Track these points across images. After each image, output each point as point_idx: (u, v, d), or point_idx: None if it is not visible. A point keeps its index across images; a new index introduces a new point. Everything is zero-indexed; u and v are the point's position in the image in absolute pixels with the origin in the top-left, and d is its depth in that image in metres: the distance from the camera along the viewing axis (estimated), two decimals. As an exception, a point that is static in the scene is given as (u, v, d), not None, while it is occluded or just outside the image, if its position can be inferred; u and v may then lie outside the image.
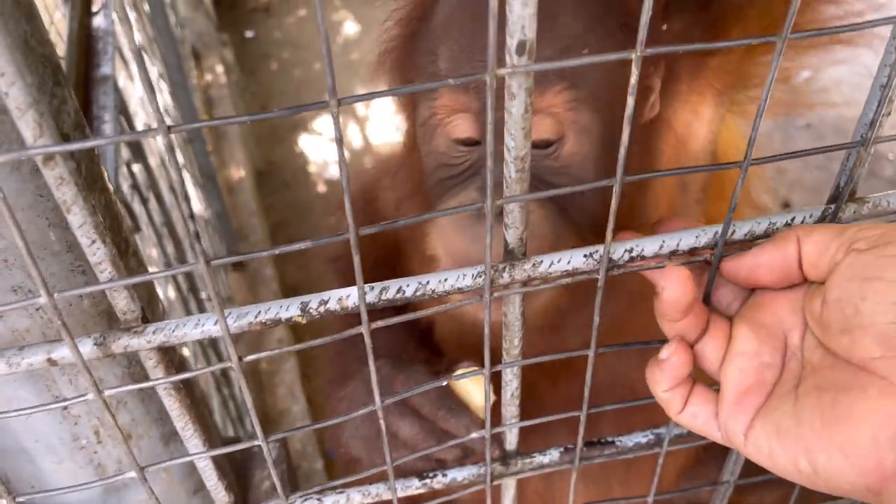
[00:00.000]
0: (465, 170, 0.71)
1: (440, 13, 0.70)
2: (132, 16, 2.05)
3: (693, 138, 0.80)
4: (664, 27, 0.71)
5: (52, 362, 0.45)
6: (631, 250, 0.50)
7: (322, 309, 0.47)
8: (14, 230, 0.36)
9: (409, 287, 0.48)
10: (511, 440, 0.63)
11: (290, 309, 0.47)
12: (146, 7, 2.43)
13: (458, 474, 0.64)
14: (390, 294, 0.48)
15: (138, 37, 2.06)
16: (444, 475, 0.64)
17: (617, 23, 0.68)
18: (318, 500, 0.61)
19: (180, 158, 2.27)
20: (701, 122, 0.81)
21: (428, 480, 0.63)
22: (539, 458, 0.64)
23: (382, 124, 4.46)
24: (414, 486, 0.63)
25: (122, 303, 0.45)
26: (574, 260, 0.49)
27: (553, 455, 0.64)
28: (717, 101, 0.80)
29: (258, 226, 3.42)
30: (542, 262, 0.49)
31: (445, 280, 0.48)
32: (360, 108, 4.44)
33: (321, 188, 4.14)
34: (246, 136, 4.08)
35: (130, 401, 0.59)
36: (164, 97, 2.38)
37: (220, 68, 4.16)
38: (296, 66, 4.73)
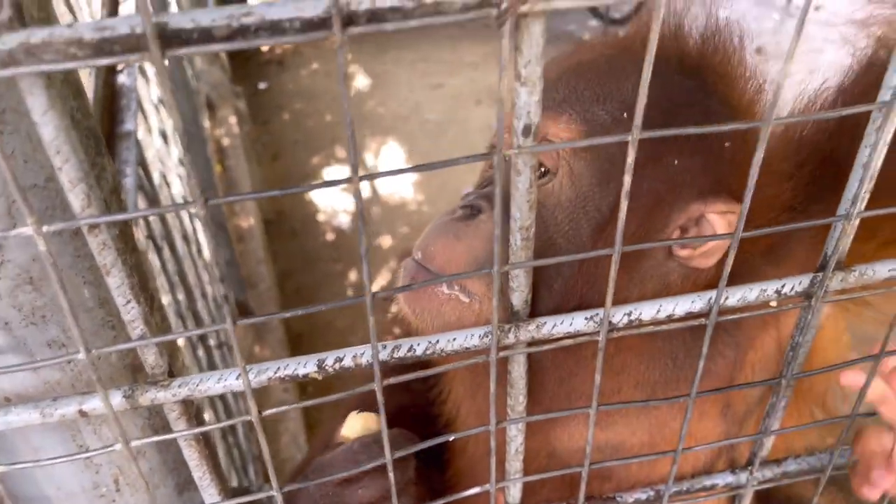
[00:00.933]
0: None
1: None
2: (152, 70, 2.13)
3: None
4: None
5: (83, 414, 0.47)
6: (630, 314, 0.52)
7: (337, 366, 0.50)
8: (59, 292, 0.39)
9: (419, 346, 0.51)
10: (514, 494, 0.65)
11: (307, 366, 0.49)
12: (165, 61, 2.52)
13: None
14: (402, 353, 0.51)
15: (157, 92, 2.14)
16: (449, 528, 0.65)
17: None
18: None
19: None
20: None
21: None
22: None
23: (392, 179, 4.51)
24: None
25: (151, 358, 0.48)
26: (576, 322, 0.52)
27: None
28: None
29: (266, 273, 3.46)
30: (545, 323, 0.52)
31: (454, 340, 0.51)
32: (369, 158, 4.52)
33: (329, 236, 4.19)
34: (256, 186, 4.15)
35: (149, 451, 0.61)
36: (179, 148, 2.44)
37: (233, 119, 4.26)
38: (308, 116, 4.84)
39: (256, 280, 3.39)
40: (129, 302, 0.45)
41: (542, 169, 0.68)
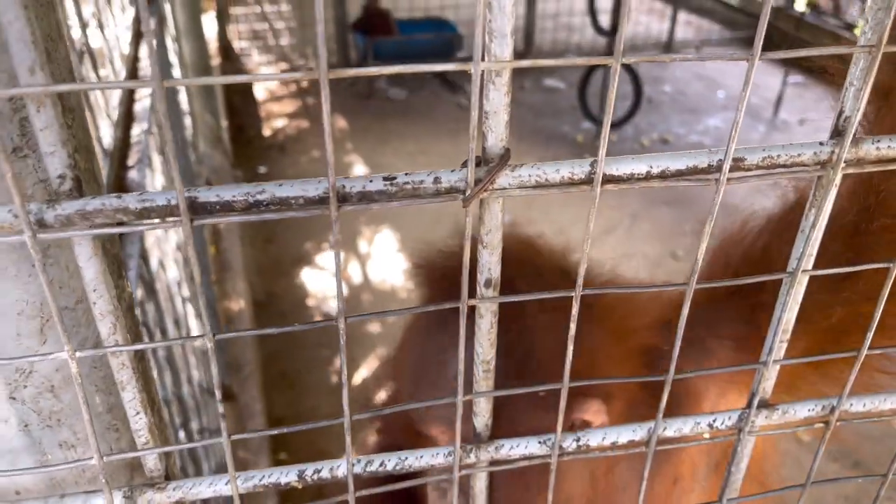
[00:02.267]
0: None
1: None
2: (157, 159, 2.24)
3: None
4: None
5: (86, 511, 0.53)
6: (578, 439, 0.59)
7: (316, 476, 0.56)
8: (83, 406, 0.46)
9: (389, 462, 0.57)
10: None
11: (289, 475, 0.56)
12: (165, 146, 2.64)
13: None
14: (374, 467, 0.57)
15: (161, 179, 2.24)
16: None
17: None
18: None
19: (186, 292, 2.39)
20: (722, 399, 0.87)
21: None
22: None
23: (383, 262, 4.60)
24: None
25: (151, 463, 0.54)
26: (530, 446, 0.59)
27: None
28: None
29: (251, 357, 3.48)
30: (503, 445, 0.58)
31: (421, 457, 0.58)
32: (363, 245, 4.62)
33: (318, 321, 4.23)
34: (249, 269, 4.22)
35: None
36: (179, 232, 2.53)
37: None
38: (303, 202, 4.95)
39: (241, 363, 3.42)
40: (138, 413, 0.51)
41: None
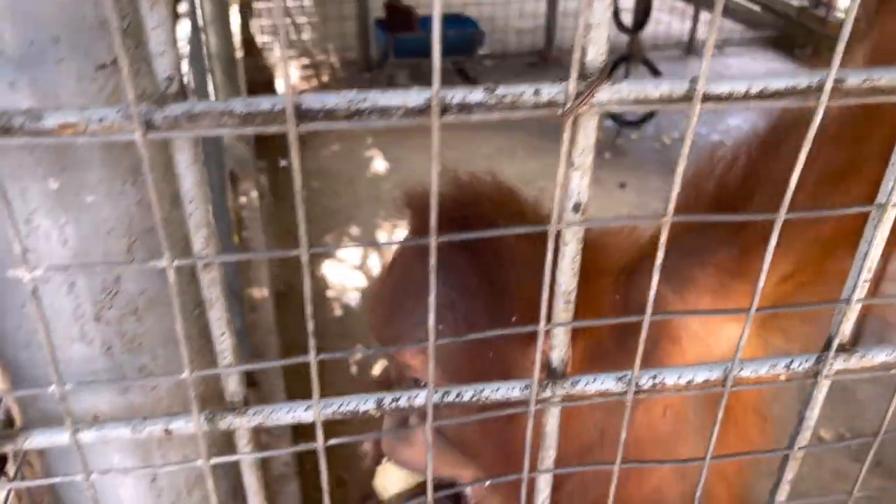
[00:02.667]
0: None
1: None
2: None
3: (705, 354, 0.87)
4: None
5: (167, 433, 0.53)
6: (654, 377, 0.59)
7: (394, 405, 0.56)
8: (178, 317, 0.46)
9: (466, 393, 0.57)
10: (537, 548, 0.70)
11: (367, 403, 0.56)
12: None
13: (486, 577, 0.70)
14: (451, 397, 0.57)
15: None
16: (474, 577, 0.70)
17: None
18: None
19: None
20: (718, 340, 0.87)
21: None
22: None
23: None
24: None
25: (232, 387, 0.54)
26: (607, 381, 0.58)
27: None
28: (739, 325, 0.86)
29: (273, 344, 3.50)
30: (579, 381, 0.58)
31: (497, 390, 0.58)
32: (382, 237, 4.63)
33: (337, 312, 4.25)
34: (272, 259, 4.24)
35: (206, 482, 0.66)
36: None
37: (254, 193, 4.39)
38: (324, 195, 4.98)
39: (264, 350, 3.43)
40: (223, 333, 0.52)
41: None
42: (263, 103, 0.42)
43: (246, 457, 0.57)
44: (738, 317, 0.83)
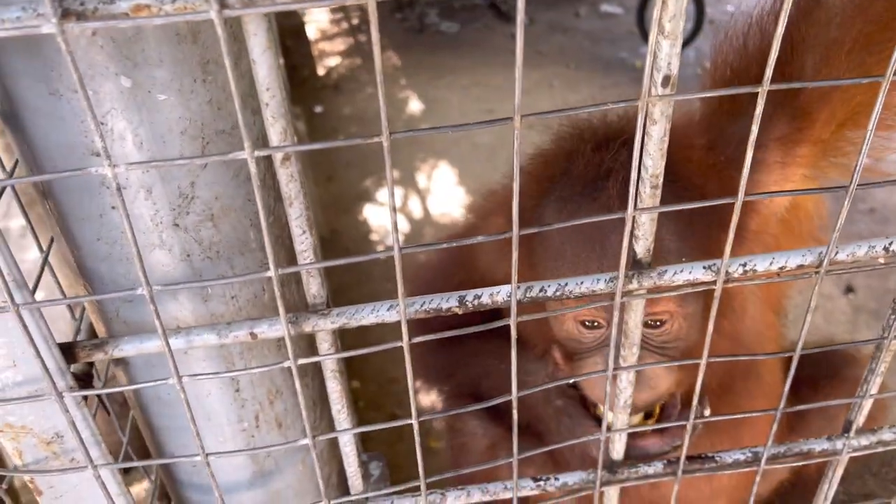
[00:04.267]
0: (590, 347, 0.85)
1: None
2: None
3: (776, 203, 0.90)
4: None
5: (253, 336, 0.53)
6: (745, 264, 0.57)
7: (476, 302, 0.55)
8: (262, 212, 0.45)
9: (550, 287, 0.56)
10: (619, 449, 0.69)
11: (450, 301, 0.55)
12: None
13: (569, 479, 0.69)
14: (534, 293, 0.55)
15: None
16: (556, 479, 0.69)
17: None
18: (442, 494, 0.68)
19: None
20: (786, 187, 0.90)
21: (542, 482, 0.69)
22: (644, 469, 0.70)
23: (443, 197, 4.60)
24: (528, 488, 0.69)
25: (315, 288, 0.53)
26: (695, 271, 0.56)
27: (657, 467, 0.70)
28: (805, 171, 0.90)
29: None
30: (666, 271, 0.56)
31: (581, 283, 0.56)
32: (422, 180, 4.61)
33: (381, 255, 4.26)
34: (313, 205, 4.26)
35: (286, 391, 0.66)
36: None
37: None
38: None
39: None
40: (304, 232, 0.51)
41: (661, 321, 0.84)
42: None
43: (329, 358, 0.56)
44: (802, 168, 0.90)
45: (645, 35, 5.43)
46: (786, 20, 0.44)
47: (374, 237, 4.42)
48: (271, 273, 0.47)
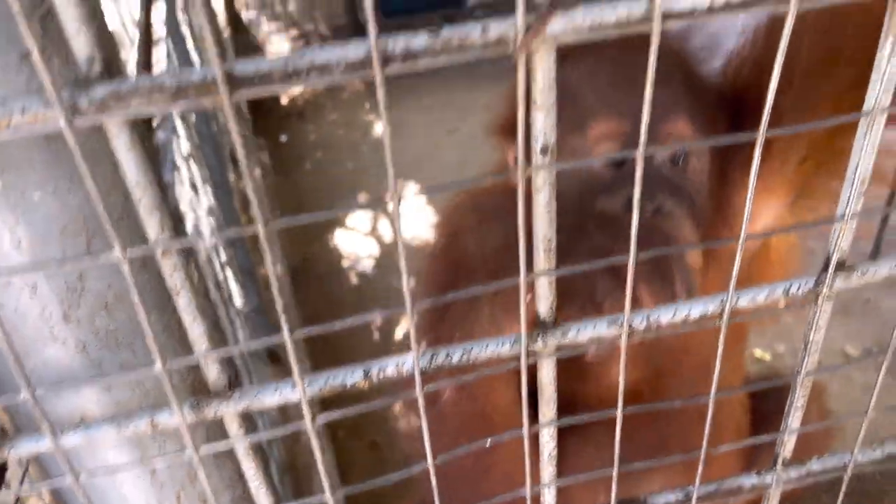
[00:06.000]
0: (610, 184, 0.92)
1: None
2: (181, 125, 2.23)
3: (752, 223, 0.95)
4: None
5: (154, 426, 0.52)
6: (647, 317, 0.57)
7: (382, 374, 0.54)
8: (139, 308, 0.45)
9: (455, 353, 0.55)
10: (549, 500, 0.69)
11: (354, 375, 0.54)
12: (192, 118, 2.63)
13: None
14: (440, 360, 0.55)
15: (186, 146, 2.23)
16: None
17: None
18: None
19: (223, 257, 2.40)
20: (762, 211, 0.95)
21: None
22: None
23: (412, 218, 4.60)
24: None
25: (214, 374, 0.53)
26: (599, 327, 0.56)
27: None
28: (780, 201, 0.94)
29: (294, 318, 3.52)
30: (570, 328, 0.56)
31: (487, 346, 0.56)
32: (391, 204, 4.60)
33: (354, 281, 4.26)
34: (282, 235, 4.24)
35: (208, 468, 0.65)
36: (210, 198, 2.53)
37: (256, 171, 4.36)
38: (330, 165, 4.94)
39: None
40: (195, 319, 0.50)
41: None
42: (194, 74, 0.40)
43: (239, 442, 0.55)
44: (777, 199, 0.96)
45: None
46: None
47: (345, 263, 4.41)
48: (157, 367, 0.47)
